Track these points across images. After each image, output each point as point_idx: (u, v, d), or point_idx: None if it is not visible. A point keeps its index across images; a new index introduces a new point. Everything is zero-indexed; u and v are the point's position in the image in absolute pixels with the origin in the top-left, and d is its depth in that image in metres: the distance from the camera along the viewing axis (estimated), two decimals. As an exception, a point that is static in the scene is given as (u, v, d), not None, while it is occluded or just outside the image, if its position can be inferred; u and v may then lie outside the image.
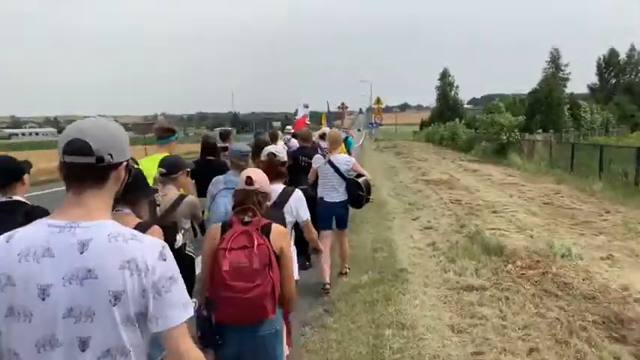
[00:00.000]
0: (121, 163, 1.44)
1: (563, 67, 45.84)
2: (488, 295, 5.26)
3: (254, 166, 3.65)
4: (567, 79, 44.31)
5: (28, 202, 2.78)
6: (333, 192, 5.75)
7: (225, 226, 2.50)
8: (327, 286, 5.57)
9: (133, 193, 2.58)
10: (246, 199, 2.54)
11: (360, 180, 5.75)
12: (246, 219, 2.47)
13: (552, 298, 5.12)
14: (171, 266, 1.41)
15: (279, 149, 3.73)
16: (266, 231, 2.46)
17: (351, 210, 6.19)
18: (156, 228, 2.56)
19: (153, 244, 1.40)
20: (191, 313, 1.45)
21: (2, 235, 1.36)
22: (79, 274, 1.29)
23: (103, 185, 1.41)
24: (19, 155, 3.37)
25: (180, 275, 1.43)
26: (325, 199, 5.77)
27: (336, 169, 5.69)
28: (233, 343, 2.46)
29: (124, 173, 1.47)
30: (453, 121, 39.70)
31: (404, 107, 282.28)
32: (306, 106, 23.17)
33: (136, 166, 1.63)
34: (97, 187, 1.40)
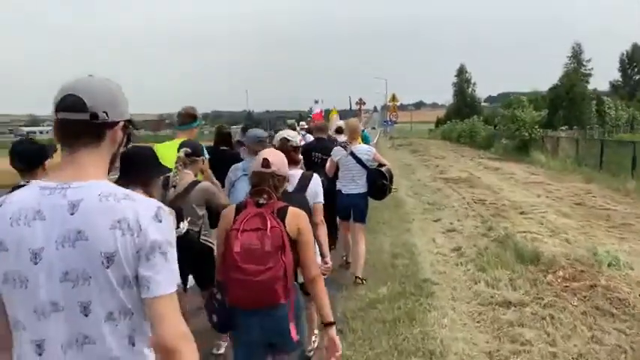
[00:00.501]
0: (118, 122, 1.36)
1: (585, 63, 44.45)
2: (529, 312, 4.48)
3: None
4: (590, 75, 42.88)
5: None
6: (351, 184, 5.60)
7: (240, 208, 2.42)
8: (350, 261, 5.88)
9: (147, 172, 2.58)
10: (261, 182, 2.44)
11: (384, 169, 5.59)
12: (261, 201, 2.38)
13: (607, 317, 4.33)
14: (169, 229, 1.32)
15: (292, 134, 3.57)
16: (282, 214, 2.36)
17: (368, 210, 5.79)
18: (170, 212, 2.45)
19: (147, 203, 1.31)
20: (178, 281, 1.34)
21: None
22: (71, 236, 1.23)
23: (98, 144, 1.32)
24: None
25: (174, 239, 1.35)
26: (343, 191, 5.62)
27: (358, 160, 5.54)
28: (253, 327, 2.38)
29: (121, 134, 1.39)
30: (471, 118, 38.58)
31: (419, 105, 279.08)
32: (318, 102, 22.82)
33: (134, 131, 1.50)
34: (92, 145, 1.31)
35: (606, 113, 30.53)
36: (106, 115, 1.31)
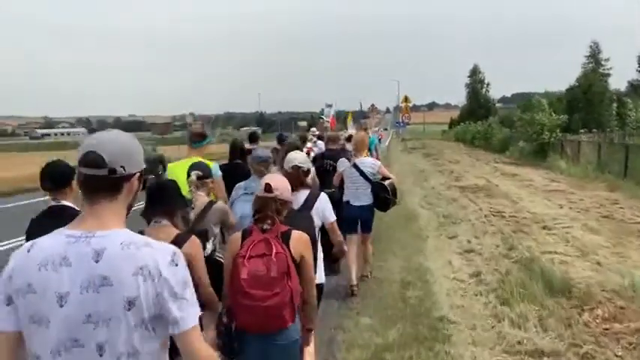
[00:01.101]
0: (134, 174, 1.48)
1: (603, 62, 43.00)
2: (567, 367, 3.78)
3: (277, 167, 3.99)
4: (609, 75, 41.30)
5: (76, 208, 2.76)
6: (357, 196, 5.67)
7: (245, 234, 2.48)
8: (355, 288, 5.57)
9: (171, 205, 2.76)
10: (264, 207, 2.51)
11: (386, 182, 5.65)
12: (265, 227, 2.44)
13: (663, 376, 3.62)
14: (184, 270, 1.45)
15: (302, 158, 3.64)
16: (285, 238, 2.43)
17: (376, 228, 5.95)
18: (195, 239, 2.74)
19: (164, 250, 1.44)
20: (199, 311, 1.48)
21: (24, 245, 1.44)
22: (96, 282, 1.34)
23: (116, 196, 1.45)
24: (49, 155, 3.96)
25: (190, 278, 1.47)
26: (351, 203, 5.68)
27: (362, 173, 5.62)
28: (254, 352, 2.43)
29: (137, 184, 1.51)
30: (487, 119, 37.53)
31: (432, 106, 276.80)
32: (329, 106, 22.77)
33: (159, 168, 1.87)
34: (110, 197, 1.44)
35: (627, 115, 29.34)
36: (123, 169, 1.43)
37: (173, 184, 2.88)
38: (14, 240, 7.86)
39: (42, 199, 2.80)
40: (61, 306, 1.33)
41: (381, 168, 5.79)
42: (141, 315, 1.36)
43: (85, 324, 1.33)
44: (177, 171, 3.92)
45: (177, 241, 2.52)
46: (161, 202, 2.73)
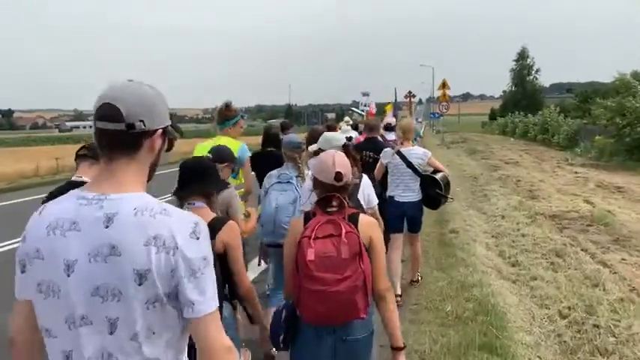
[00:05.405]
0: (156, 130, 1.29)
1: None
2: None
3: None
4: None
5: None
6: (404, 190, 5.00)
7: (309, 216, 2.23)
8: (399, 298, 4.74)
9: (209, 185, 2.53)
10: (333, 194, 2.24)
11: (438, 176, 5.01)
12: (330, 209, 2.19)
13: None
14: (205, 246, 1.27)
15: (340, 135, 3.52)
16: (353, 220, 2.17)
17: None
18: (233, 224, 2.48)
19: (185, 219, 1.25)
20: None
21: (40, 208, 1.31)
22: (104, 251, 1.19)
23: (135, 154, 1.27)
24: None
25: (212, 256, 1.29)
26: (396, 199, 5.02)
27: (409, 164, 4.94)
28: (325, 347, 2.16)
29: (159, 142, 1.31)
30: (547, 109, 31.03)
31: (466, 97, 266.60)
32: (366, 94, 19.49)
33: (177, 135, 1.35)
34: (129, 155, 1.26)
35: None
36: (143, 124, 1.24)
37: (212, 164, 2.64)
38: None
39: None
40: (68, 275, 1.18)
41: (431, 159, 5.08)
42: (154, 291, 1.18)
43: (93, 297, 1.18)
44: (199, 152, 3.70)
45: (214, 226, 2.32)
46: (200, 182, 2.47)
